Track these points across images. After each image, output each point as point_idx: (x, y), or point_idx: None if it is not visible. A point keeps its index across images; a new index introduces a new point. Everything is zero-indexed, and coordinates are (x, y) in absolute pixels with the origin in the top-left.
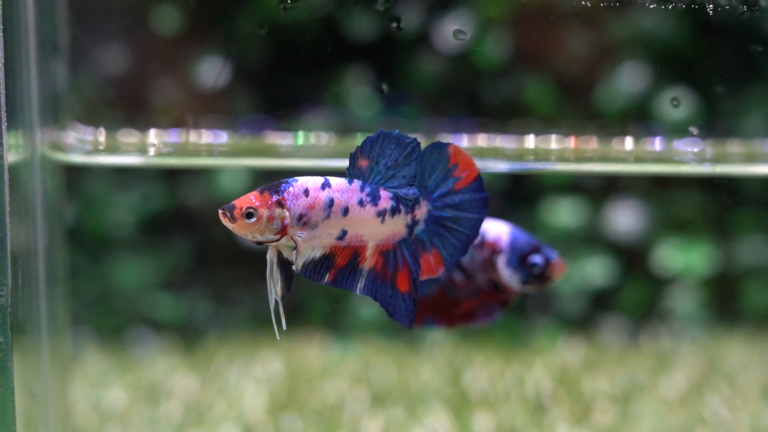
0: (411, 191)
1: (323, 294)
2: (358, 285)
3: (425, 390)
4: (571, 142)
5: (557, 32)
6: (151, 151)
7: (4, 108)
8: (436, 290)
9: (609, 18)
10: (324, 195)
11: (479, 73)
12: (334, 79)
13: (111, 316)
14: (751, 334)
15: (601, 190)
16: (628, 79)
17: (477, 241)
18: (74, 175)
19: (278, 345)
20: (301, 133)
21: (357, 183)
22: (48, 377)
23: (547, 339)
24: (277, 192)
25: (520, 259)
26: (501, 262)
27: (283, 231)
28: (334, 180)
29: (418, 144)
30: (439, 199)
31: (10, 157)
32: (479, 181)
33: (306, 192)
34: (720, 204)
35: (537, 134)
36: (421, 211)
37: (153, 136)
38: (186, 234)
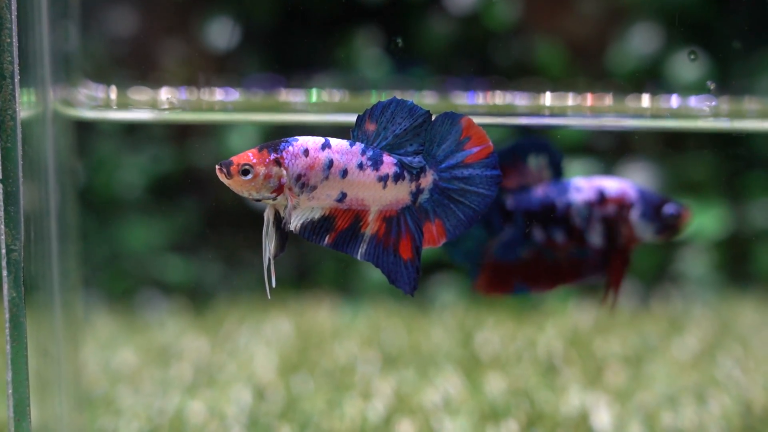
0: (416, 159)
1: (333, 256)
2: (360, 250)
3: (436, 352)
4: (582, 101)
5: None
6: (165, 104)
7: (17, 63)
8: (528, 254)
9: None
10: (323, 156)
11: (491, 33)
12: (344, 39)
13: (120, 278)
14: (763, 297)
15: (612, 150)
16: (640, 40)
17: (594, 198)
18: (85, 134)
19: (288, 307)
20: (314, 91)
21: (359, 146)
22: (60, 336)
23: (558, 302)
24: (275, 150)
25: (654, 210)
26: (635, 214)
27: (279, 189)
28: (334, 141)
29: (430, 116)
30: (447, 170)
31: (23, 113)
32: (493, 157)
33: (306, 152)
34: (733, 162)
35: (549, 93)
36: (427, 180)
37: (164, 92)
38: (195, 196)
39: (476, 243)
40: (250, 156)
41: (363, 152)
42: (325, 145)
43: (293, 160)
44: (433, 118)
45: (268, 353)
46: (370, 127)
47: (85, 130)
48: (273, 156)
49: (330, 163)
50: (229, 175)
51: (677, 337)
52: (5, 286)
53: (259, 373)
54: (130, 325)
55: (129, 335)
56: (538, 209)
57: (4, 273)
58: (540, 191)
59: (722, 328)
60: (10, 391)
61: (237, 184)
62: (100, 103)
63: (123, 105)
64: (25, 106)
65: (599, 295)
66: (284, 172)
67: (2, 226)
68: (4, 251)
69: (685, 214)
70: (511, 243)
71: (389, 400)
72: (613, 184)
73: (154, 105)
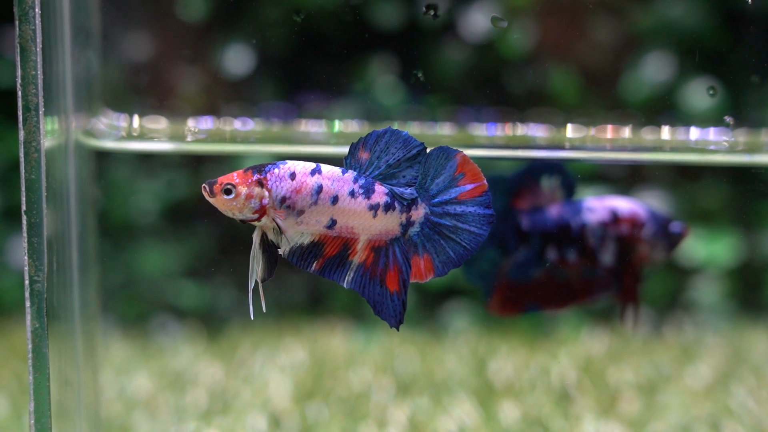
0: (408, 191)
1: None
2: (347, 278)
3: (450, 379)
4: (594, 132)
5: (583, 21)
6: (189, 137)
7: (41, 94)
8: (541, 274)
9: (635, 7)
10: (312, 181)
11: (505, 62)
12: (359, 67)
13: (135, 304)
14: None
15: (625, 179)
16: (654, 69)
17: (607, 218)
18: (102, 162)
19: (302, 333)
20: (336, 122)
21: (351, 173)
22: (80, 364)
23: (571, 329)
24: (260, 172)
25: (663, 228)
26: (646, 233)
27: (262, 210)
28: (326, 167)
29: (425, 149)
30: (440, 205)
31: (46, 143)
32: (487, 196)
33: (292, 175)
34: (747, 192)
35: (562, 124)
36: (418, 213)
37: (184, 122)
38: (210, 222)
39: (491, 264)
40: (234, 176)
41: (355, 180)
42: (315, 171)
43: (277, 182)
44: (428, 151)
45: (283, 380)
46: (364, 155)
47: (103, 157)
48: (256, 177)
49: (319, 189)
50: (212, 193)
51: (690, 366)
52: (28, 317)
53: (274, 400)
54: (144, 351)
55: (143, 360)
56: (552, 230)
57: (27, 304)
58: (554, 212)
59: (735, 356)
60: (32, 421)
61: (219, 203)
62: (121, 132)
63: (143, 134)
64: (48, 136)
65: (612, 324)
66: (266, 193)
67: (26, 257)
68: (27, 282)
69: (686, 232)
70: (525, 263)
71: (404, 429)
72: (624, 204)
73: (173, 133)
